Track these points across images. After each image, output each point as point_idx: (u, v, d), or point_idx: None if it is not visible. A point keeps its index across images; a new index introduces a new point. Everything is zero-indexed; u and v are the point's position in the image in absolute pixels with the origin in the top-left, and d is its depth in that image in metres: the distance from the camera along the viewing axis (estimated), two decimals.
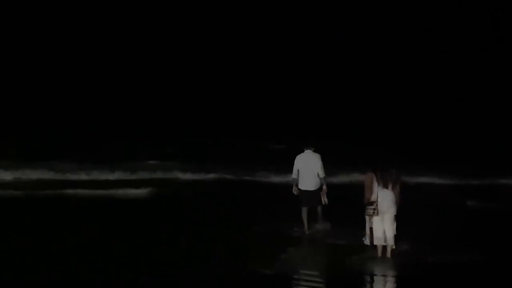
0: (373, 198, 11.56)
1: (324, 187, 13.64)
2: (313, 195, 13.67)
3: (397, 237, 11.61)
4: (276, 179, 19.44)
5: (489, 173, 20.93)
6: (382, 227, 11.56)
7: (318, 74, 40.49)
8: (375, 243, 11.70)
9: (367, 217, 11.78)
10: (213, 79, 39.64)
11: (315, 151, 13.82)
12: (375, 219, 11.56)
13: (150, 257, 11.86)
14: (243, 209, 15.79)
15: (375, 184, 11.56)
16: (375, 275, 11.19)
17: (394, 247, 11.61)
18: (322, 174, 13.62)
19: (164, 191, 17.98)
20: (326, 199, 13.64)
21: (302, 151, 13.86)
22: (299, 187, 13.79)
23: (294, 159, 13.88)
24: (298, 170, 13.76)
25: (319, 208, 13.85)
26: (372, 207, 11.53)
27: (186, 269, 11.28)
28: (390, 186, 11.51)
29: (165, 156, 22.08)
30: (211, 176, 19.87)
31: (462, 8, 39.25)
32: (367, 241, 11.83)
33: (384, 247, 11.62)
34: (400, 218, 11.76)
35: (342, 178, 19.41)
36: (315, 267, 11.65)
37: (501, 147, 30.25)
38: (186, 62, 40.35)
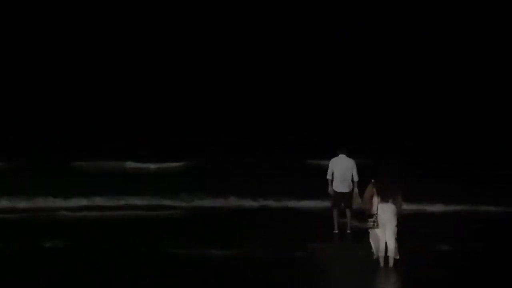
0: (373, 210, 11.62)
1: (356, 190, 14.27)
2: (345, 197, 14.45)
3: (399, 248, 11.70)
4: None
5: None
6: (384, 238, 11.64)
7: (317, 73, 40.45)
8: (377, 254, 11.78)
9: (370, 230, 11.80)
10: (215, 84, 39.51)
11: (348, 155, 14.60)
12: (377, 230, 11.63)
13: None
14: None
15: (376, 196, 11.63)
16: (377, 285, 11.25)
17: (398, 257, 11.67)
18: (356, 178, 14.37)
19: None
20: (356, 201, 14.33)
21: (336, 155, 14.64)
22: (333, 188, 14.56)
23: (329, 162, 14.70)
24: (333, 172, 14.55)
25: (348, 212, 14.61)
26: (372, 219, 11.61)
27: None
28: (390, 199, 11.56)
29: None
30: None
31: (462, 8, 39.19)
32: (375, 256, 11.86)
33: (387, 258, 11.69)
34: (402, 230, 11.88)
35: None
36: (317, 274, 11.70)
37: (501, 147, 30.26)
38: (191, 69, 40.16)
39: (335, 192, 14.59)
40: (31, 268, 11.75)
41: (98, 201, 18.36)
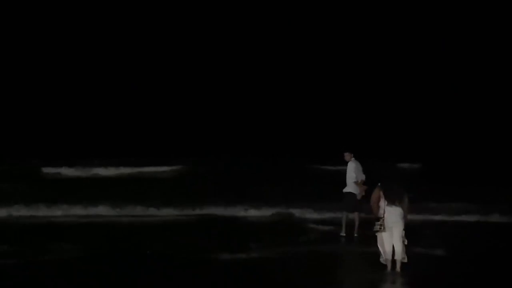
0: (380, 213, 11.64)
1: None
2: (357, 198, 14.69)
3: (406, 252, 11.69)
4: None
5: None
6: (391, 242, 11.61)
7: (317, 77, 40.21)
8: (384, 258, 11.76)
9: (377, 233, 11.79)
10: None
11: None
12: (384, 234, 11.61)
13: None
14: None
15: (382, 200, 11.65)
16: None
17: (406, 260, 11.66)
18: (363, 177, 14.81)
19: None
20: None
21: (344, 159, 14.89)
22: (349, 190, 14.72)
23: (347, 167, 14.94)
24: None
25: (356, 216, 14.77)
26: (379, 222, 11.60)
27: None
28: (397, 202, 11.59)
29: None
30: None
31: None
32: (383, 259, 11.84)
33: (394, 262, 11.66)
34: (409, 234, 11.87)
35: None
36: (323, 277, 11.62)
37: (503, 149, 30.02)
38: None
39: (350, 193, 14.67)
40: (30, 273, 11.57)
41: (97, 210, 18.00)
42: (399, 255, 11.53)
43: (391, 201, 11.52)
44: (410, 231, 11.77)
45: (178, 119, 36.90)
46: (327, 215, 17.28)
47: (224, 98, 38.52)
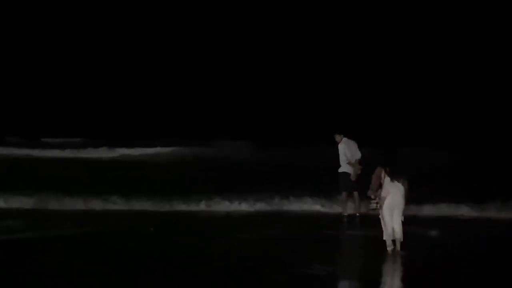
0: (383, 194, 11.67)
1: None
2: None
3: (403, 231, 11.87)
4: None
5: None
6: (391, 222, 11.75)
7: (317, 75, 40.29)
8: (385, 238, 11.90)
9: (381, 214, 11.82)
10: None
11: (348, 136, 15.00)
12: (385, 213, 11.70)
13: None
14: None
15: (385, 179, 11.75)
16: (386, 269, 11.37)
17: (401, 240, 11.83)
18: (360, 155, 14.92)
19: None
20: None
21: (335, 140, 15.04)
22: (343, 170, 14.83)
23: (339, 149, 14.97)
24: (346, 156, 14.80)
25: (356, 195, 14.89)
26: (375, 201, 11.76)
27: None
28: (401, 180, 11.72)
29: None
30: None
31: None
32: (390, 248, 11.88)
33: (394, 241, 11.84)
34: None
35: None
36: (323, 259, 11.76)
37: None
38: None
39: (345, 173, 14.85)
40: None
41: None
42: (398, 233, 11.74)
43: (395, 179, 11.66)
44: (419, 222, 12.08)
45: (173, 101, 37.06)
46: (326, 200, 17.13)
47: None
